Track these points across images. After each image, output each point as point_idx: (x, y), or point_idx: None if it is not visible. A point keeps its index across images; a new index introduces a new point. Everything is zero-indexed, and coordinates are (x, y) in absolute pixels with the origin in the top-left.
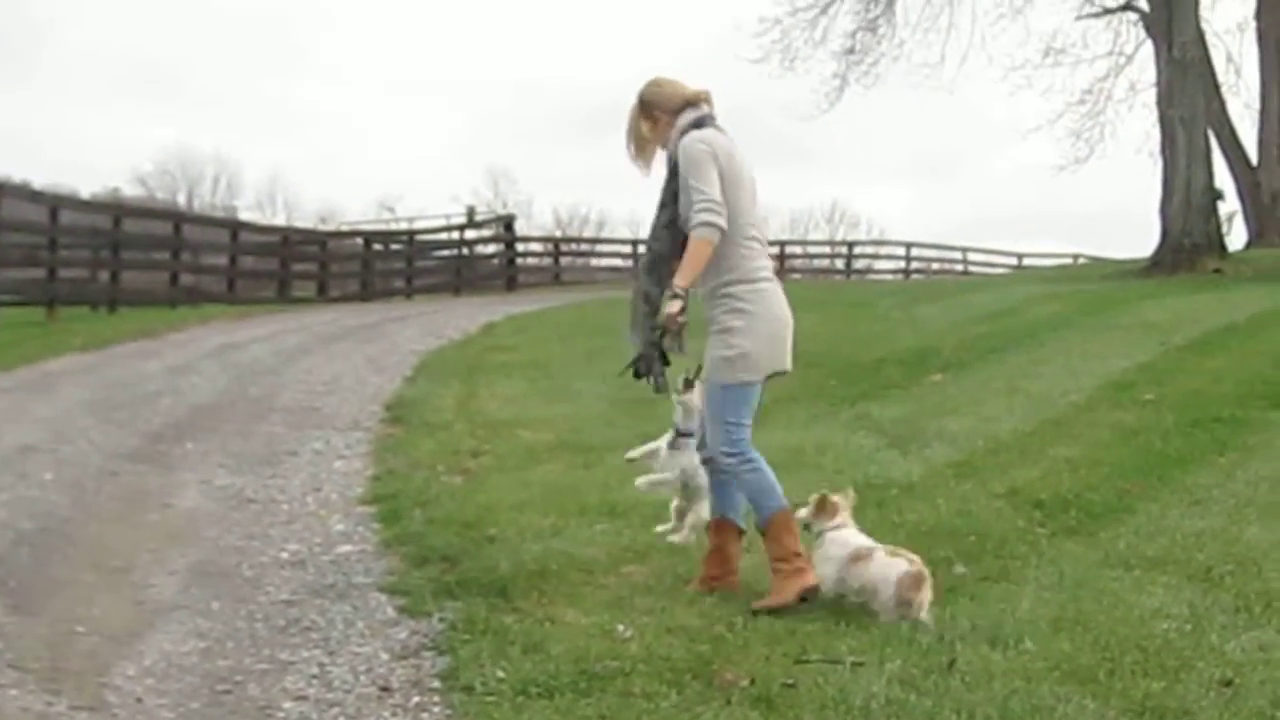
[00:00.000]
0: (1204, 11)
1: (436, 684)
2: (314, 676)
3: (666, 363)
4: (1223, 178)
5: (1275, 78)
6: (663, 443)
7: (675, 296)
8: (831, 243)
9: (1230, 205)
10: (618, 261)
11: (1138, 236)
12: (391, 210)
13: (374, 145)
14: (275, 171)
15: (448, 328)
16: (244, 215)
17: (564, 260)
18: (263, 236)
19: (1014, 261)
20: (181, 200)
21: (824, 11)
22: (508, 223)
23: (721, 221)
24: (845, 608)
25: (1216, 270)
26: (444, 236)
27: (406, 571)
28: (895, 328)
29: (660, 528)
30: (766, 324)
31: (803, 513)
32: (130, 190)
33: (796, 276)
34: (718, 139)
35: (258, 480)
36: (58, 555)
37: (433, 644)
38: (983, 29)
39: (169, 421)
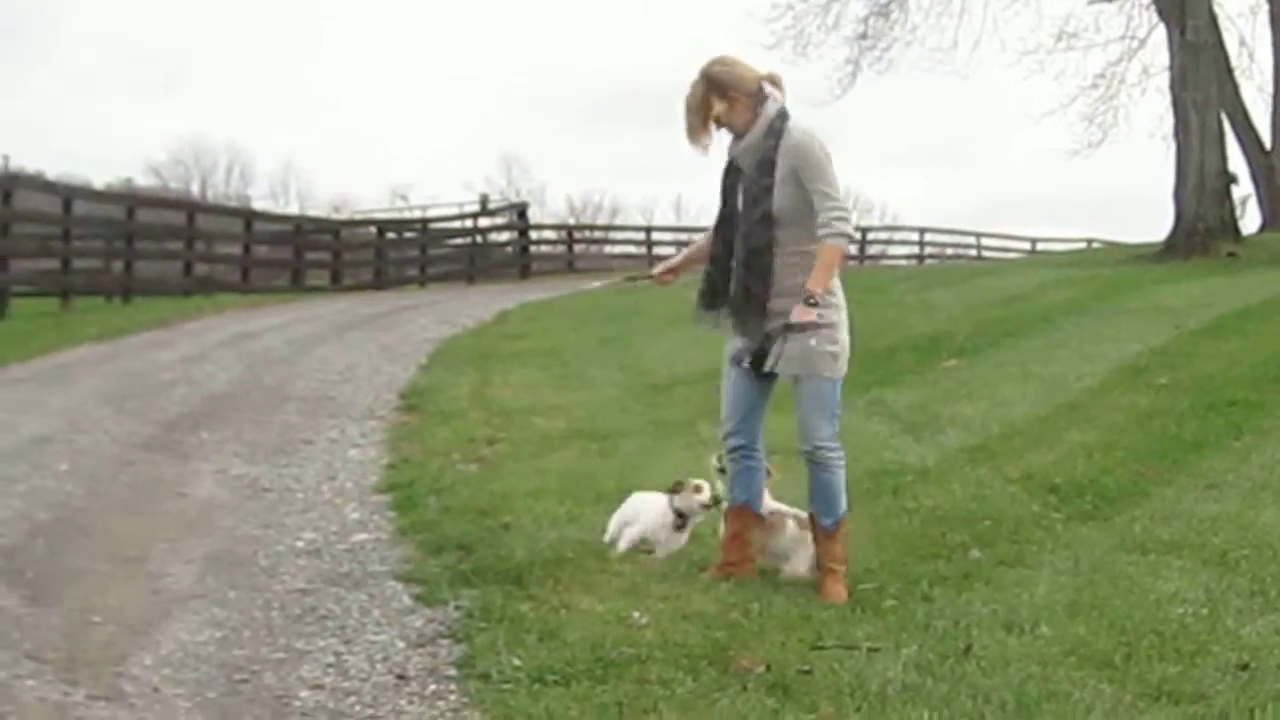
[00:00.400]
0: None
1: (453, 672)
2: (330, 665)
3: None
4: (1236, 161)
5: None
6: (657, 521)
7: (811, 302)
8: None
9: (1244, 189)
10: (631, 249)
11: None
12: (405, 198)
13: (387, 134)
14: (288, 160)
15: (461, 316)
16: (257, 204)
17: (578, 248)
18: (276, 225)
19: (1028, 246)
20: (195, 190)
21: None
22: (521, 210)
23: (853, 230)
24: (861, 594)
25: (1230, 254)
26: (457, 224)
27: (422, 560)
28: (909, 313)
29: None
30: (847, 319)
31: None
32: (143, 180)
33: None
34: (819, 133)
35: (273, 469)
36: (73, 545)
37: (449, 632)
38: (995, 13)
39: (184, 411)
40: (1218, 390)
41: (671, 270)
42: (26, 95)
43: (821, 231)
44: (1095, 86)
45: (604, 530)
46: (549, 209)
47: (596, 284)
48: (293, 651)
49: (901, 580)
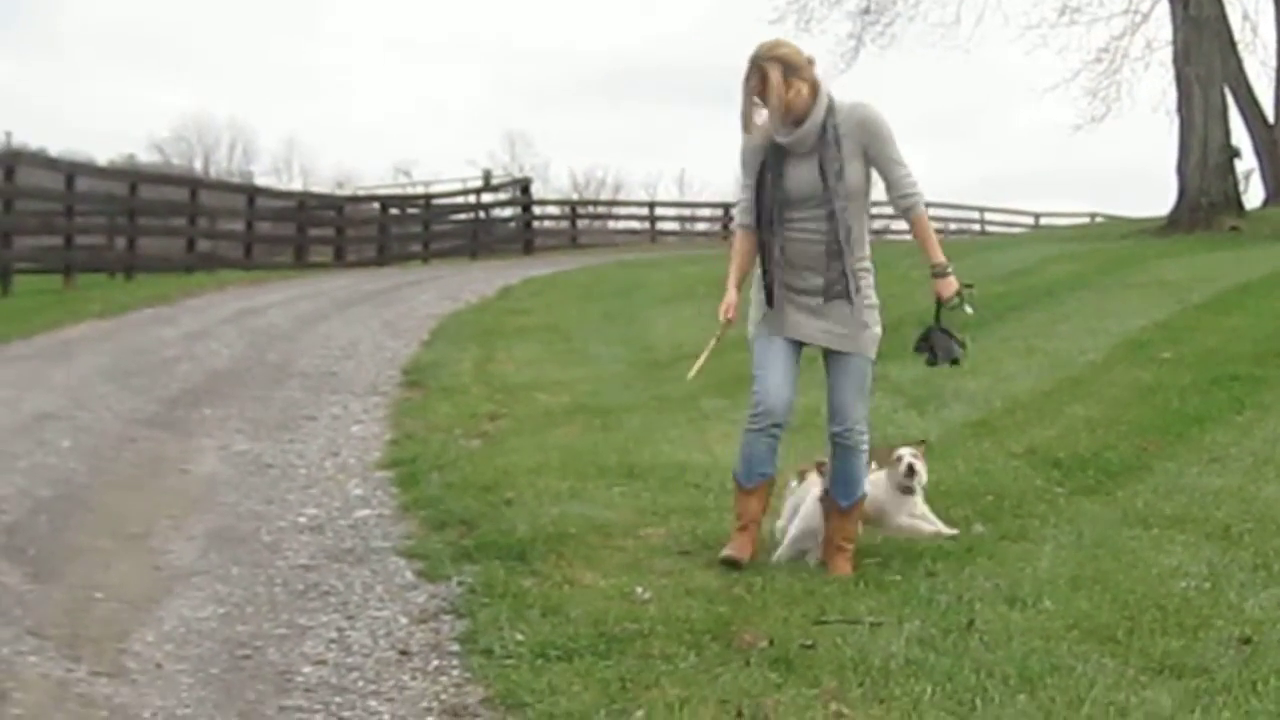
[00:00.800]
0: None
1: (455, 647)
2: (333, 641)
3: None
4: (1240, 135)
5: None
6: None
7: (948, 273)
8: None
9: (1247, 163)
10: (634, 224)
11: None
12: (408, 174)
13: (390, 110)
14: (291, 137)
15: (464, 291)
16: (260, 180)
17: (581, 223)
18: (279, 202)
19: (1031, 221)
20: (198, 166)
21: None
22: (524, 186)
23: None
24: (864, 569)
25: (1234, 228)
26: (460, 200)
27: (425, 535)
28: (913, 288)
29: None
30: None
31: None
32: (146, 157)
33: None
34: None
35: (275, 445)
36: (76, 522)
37: (451, 607)
38: None
39: (186, 387)
40: (1220, 365)
41: (733, 304)
42: (29, 72)
43: (908, 201)
44: (1099, 61)
45: (607, 505)
46: (552, 185)
47: (690, 375)
48: (295, 627)
49: (904, 555)
